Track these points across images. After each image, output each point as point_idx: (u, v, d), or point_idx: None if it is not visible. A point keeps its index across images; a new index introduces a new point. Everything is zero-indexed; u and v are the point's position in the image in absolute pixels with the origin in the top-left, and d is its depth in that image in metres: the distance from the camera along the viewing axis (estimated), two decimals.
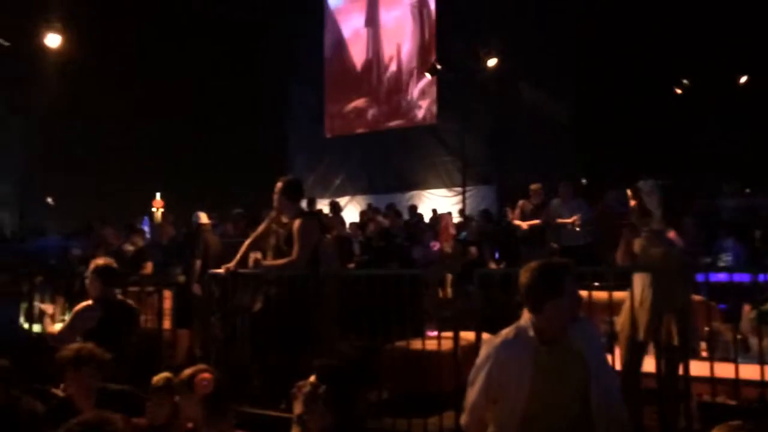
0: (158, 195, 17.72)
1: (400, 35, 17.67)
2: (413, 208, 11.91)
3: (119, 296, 4.86)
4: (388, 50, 17.93)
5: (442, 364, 4.24)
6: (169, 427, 3.20)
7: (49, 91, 14.78)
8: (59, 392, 3.53)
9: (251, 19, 17.51)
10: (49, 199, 21.10)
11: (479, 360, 2.64)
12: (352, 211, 15.57)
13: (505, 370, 2.55)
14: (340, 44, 18.79)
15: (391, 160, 17.35)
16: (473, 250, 8.08)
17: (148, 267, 8.51)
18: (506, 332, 2.63)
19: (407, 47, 17.56)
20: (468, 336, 4.11)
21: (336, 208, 10.35)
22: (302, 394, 2.76)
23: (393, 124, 17.69)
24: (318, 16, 19.12)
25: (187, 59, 16.66)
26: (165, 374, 3.55)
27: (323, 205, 13.05)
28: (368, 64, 18.25)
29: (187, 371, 3.20)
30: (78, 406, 3.21)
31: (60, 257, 10.15)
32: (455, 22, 15.67)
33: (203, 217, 8.51)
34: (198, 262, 7.84)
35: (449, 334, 4.23)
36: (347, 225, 10.84)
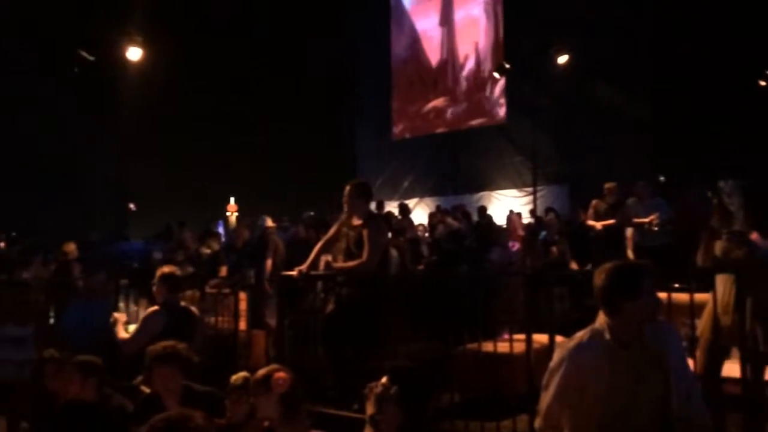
0: (232, 199, 18.30)
1: (475, 34, 17.51)
2: (482, 210, 11.80)
3: (182, 303, 5.05)
4: (463, 49, 17.81)
5: (514, 367, 4.19)
6: (246, 425, 3.28)
7: (129, 102, 15.53)
8: (146, 389, 3.69)
9: (319, 24, 17.80)
10: (131, 205, 22.13)
11: (553, 363, 2.60)
12: (420, 213, 15.58)
13: (580, 374, 2.50)
14: (415, 44, 18.74)
15: (459, 161, 17.27)
16: (554, 249, 7.87)
17: (223, 270, 8.77)
18: (581, 335, 2.58)
19: (482, 45, 17.41)
20: (541, 339, 4.05)
21: (405, 211, 10.38)
22: (374, 394, 2.79)
23: (473, 123, 17.51)
24: (384, 19, 19.23)
25: (258, 68, 17.13)
26: (243, 374, 3.66)
27: (392, 208, 13.11)
28: (443, 64, 18.16)
29: (262, 371, 3.27)
30: (164, 404, 3.35)
31: (142, 260, 10.59)
32: (525, 19, 15.45)
33: (269, 221, 8.75)
34: (269, 263, 8.04)
35: (521, 336, 4.17)
36: (416, 227, 10.84)
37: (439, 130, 18.17)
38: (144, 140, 17.64)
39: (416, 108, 18.69)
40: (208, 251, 9.50)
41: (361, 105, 19.62)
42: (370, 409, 2.81)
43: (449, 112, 18.08)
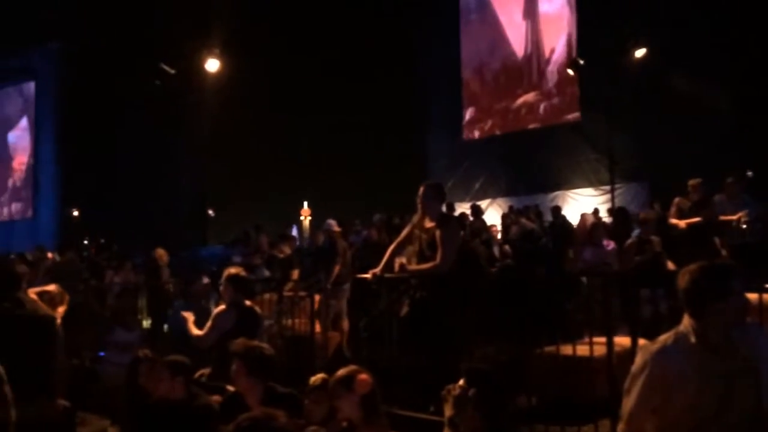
0: (305, 204, 18.69)
1: (559, 26, 17.13)
2: (557, 209, 11.56)
3: (247, 302, 5.20)
4: (548, 43, 17.45)
5: (595, 371, 4.09)
6: (325, 426, 3.34)
7: (208, 113, 16.16)
8: (231, 388, 3.82)
9: (393, 26, 17.92)
10: (210, 211, 22.94)
11: (635, 367, 2.52)
12: (492, 215, 15.42)
13: (665, 379, 2.42)
14: (500, 39, 18.47)
15: (532, 160, 16.98)
16: (648, 248, 7.46)
17: (294, 273, 8.94)
18: (664, 338, 2.49)
19: (563, 39, 17.04)
20: (623, 341, 3.94)
21: (478, 212, 10.30)
22: (452, 396, 2.79)
23: (549, 121, 17.15)
24: (454, 20, 19.14)
25: (330, 74, 17.42)
26: (321, 375, 3.73)
27: (464, 209, 13.04)
28: (528, 58, 17.84)
29: (342, 372, 3.31)
30: (247, 402, 3.46)
31: (222, 264, 10.94)
32: (599, 12, 15.05)
33: (334, 225, 8.87)
34: (337, 268, 8.12)
35: (602, 339, 4.07)
36: (490, 228, 10.72)
37: (514, 129, 17.92)
38: (222, 149, 18.25)
39: (489, 108, 18.50)
40: (281, 255, 9.72)
41: (431, 107, 19.61)
42: (448, 411, 2.81)
43: (525, 111, 17.78)
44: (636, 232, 7.75)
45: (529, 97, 17.75)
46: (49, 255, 11.05)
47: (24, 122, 29.32)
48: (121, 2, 17.76)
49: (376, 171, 17.79)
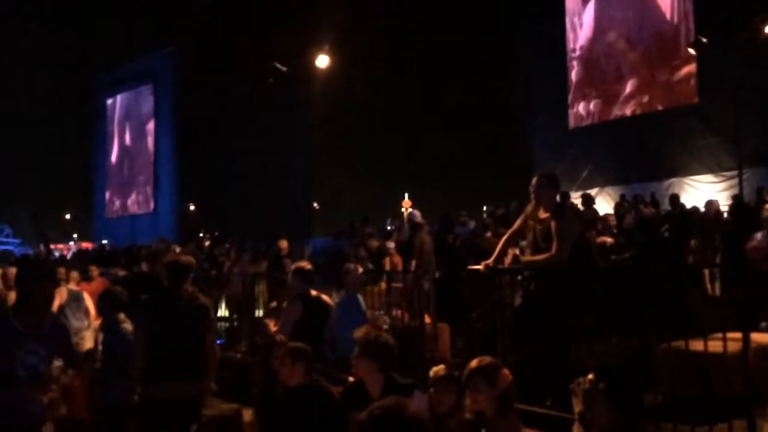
0: (406, 196, 18.82)
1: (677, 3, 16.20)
2: (675, 198, 10.93)
3: (313, 292, 5.42)
4: (656, 23, 16.56)
5: (728, 367, 3.84)
6: (451, 417, 3.33)
7: (315, 109, 16.61)
8: (351, 378, 3.90)
9: (493, 19, 17.67)
10: (315, 204, 23.59)
11: None
12: (601, 204, 14.82)
13: None
14: (607, 21, 17.73)
15: (644, 146, 16.18)
16: None
17: (387, 263, 8.96)
18: None
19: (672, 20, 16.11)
20: (760, 338, 3.67)
21: (589, 201, 9.92)
22: (581, 391, 2.70)
23: (661, 105, 16.27)
24: (559, 5, 18.54)
25: (433, 66, 17.41)
26: (443, 366, 3.71)
27: (574, 199, 12.63)
28: (637, 41, 17.00)
29: (482, 364, 3.22)
30: (368, 392, 3.52)
31: (331, 255, 11.21)
32: None
33: (417, 216, 8.80)
34: (413, 263, 8.02)
35: (736, 335, 3.81)
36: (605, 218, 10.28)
37: (621, 114, 17.13)
38: (326, 144, 18.70)
39: (596, 94, 17.79)
40: (375, 244, 9.82)
41: (535, 94, 19.11)
42: (578, 406, 2.72)
43: (635, 95, 16.91)
44: None
45: (639, 80, 16.88)
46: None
47: (144, 122, 31.37)
48: (232, 4, 18.54)
49: (478, 161, 17.62)
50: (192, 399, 4.31)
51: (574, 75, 18.28)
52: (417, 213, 9.03)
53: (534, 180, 4.93)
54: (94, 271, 8.44)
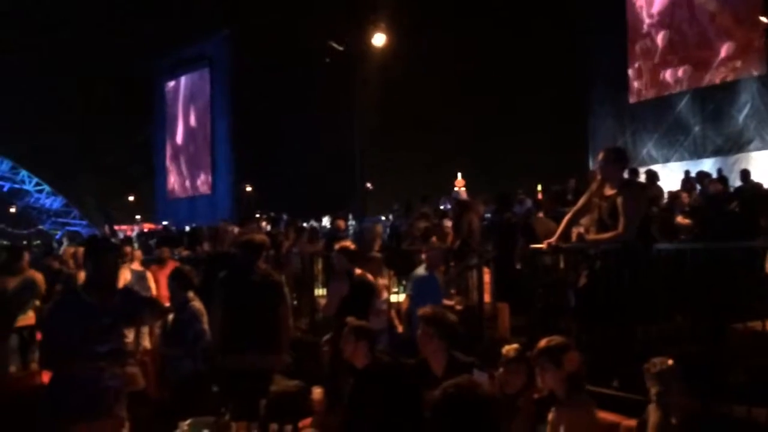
0: (459, 175, 18.68)
1: None
2: (746, 173, 10.48)
3: (358, 271, 5.53)
4: None
5: None
6: (519, 396, 3.32)
7: (369, 89, 16.54)
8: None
9: None
10: (368, 185, 23.65)
11: None
12: (664, 181, 14.36)
13: None
14: None
15: (709, 120, 15.56)
16: None
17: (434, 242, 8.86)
18: None
19: None
20: None
21: (653, 178, 9.61)
22: (656, 372, 2.64)
23: (727, 77, 15.54)
24: None
25: (489, 37, 17.09)
26: (515, 345, 3.70)
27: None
28: (700, 16, 16.23)
29: (550, 344, 3.24)
30: (432, 369, 3.54)
31: (390, 233, 11.25)
32: None
33: (463, 194, 8.70)
34: (457, 243, 7.89)
35: None
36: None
37: (686, 87, 16.46)
38: (381, 123, 18.66)
39: (659, 65, 17.14)
40: (424, 225, 9.74)
41: (594, 66, 18.54)
42: (653, 387, 2.67)
43: (701, 67, 16.18)
44: None
45: (706, 52, 16.17)
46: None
47: (202, 105, 32.02)
48: None
49: (534, 138, 17.29)
50: (264, 371, 4.56)
51: (633, 44, 17.66)
52: (462, 191, 9.01)
53: (600, 155, 4.79)
54: (166, 252, 8.44)
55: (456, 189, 9.21)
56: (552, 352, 3.14)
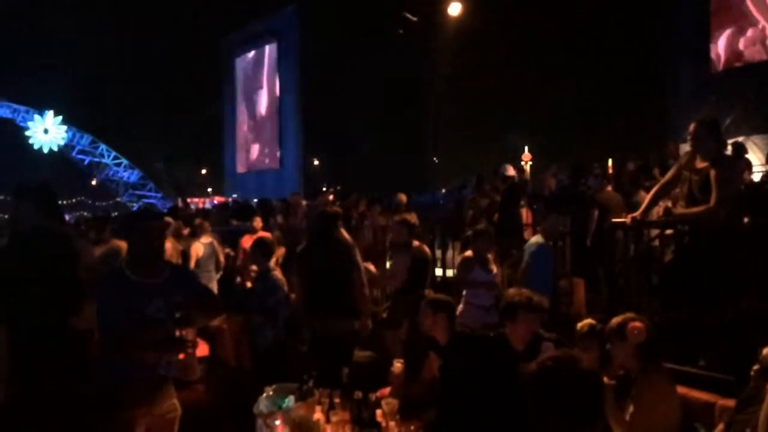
0: (526, 148, 18.32)
1: None
2: None
3: (416, 243, 5.59)
4: None
5: None
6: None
7: (440, 63, 16.37)
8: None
9: None
10: (435, 158, 23.52)
11: None
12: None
13: None
14: None
15: None
16: None
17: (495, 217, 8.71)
18: None
19: None
20: None
21: (740, 151, 9.12)
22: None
23: None
24: None
25: (564, 8, 16.57)
26: (589, 320, 3.64)
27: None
28: None
29: (617, 319, 3.21)
30: (514, 345, 3.52)
31: (455, 206, 11.18)
32: None
33: (510, 170, 8.55)
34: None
35: None
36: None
37: None
38: (450, 95, 18.47)
39: (742, 33, 16.20)
40: (485, 201, 9.60)
41: (675, 35, 17.69)
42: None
43: None
44: None
45: None
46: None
47: (270, 80, 32.45)
48: None
49: (610, 111, 16.73)
50: (347, 335, 4.74)
51: (715, 9, 16.72)
52: (509, 166, 8.89)
53: (692, 127, 4.57)
54: (258, 222, 8.14)
55: (504, 165, 9.03)
56: (616, 325, 3.14)
